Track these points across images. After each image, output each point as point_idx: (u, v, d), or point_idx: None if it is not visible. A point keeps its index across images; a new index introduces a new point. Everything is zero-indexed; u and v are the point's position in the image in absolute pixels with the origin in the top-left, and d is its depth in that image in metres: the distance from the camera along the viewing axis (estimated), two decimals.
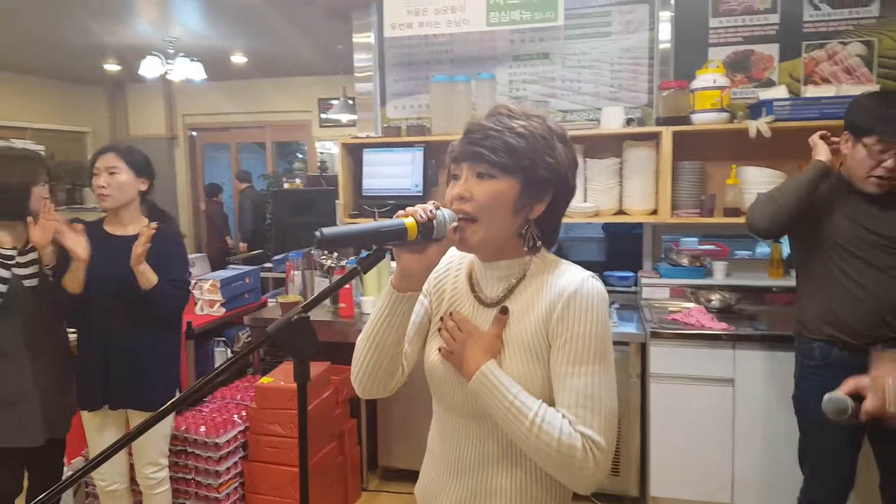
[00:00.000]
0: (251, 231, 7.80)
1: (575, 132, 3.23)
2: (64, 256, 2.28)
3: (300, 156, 9.35)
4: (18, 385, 2.26)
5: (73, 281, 2.22)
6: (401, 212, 1.07)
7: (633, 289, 3.46)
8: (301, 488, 1.13)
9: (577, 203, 3.23)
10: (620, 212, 3.26)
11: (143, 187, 2.38)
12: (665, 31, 3.29)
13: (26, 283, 2.29)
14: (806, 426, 2.25)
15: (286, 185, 7.39)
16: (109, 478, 2.48)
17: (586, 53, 3.45)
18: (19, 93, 7.68)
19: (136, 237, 2.29)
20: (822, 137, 2.26)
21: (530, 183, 1.10)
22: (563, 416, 1.06)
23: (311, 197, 5.68)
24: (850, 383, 1.51)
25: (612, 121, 3.22)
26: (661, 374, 2.81)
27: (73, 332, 2.54)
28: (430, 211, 1.07)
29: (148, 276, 2.23)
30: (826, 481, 2.18)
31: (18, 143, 6.82)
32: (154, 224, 2.25)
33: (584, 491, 1.09)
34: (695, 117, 3.03)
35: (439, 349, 1.20)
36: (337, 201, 3.71)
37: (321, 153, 8.16)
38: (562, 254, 1.24)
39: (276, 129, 8.80)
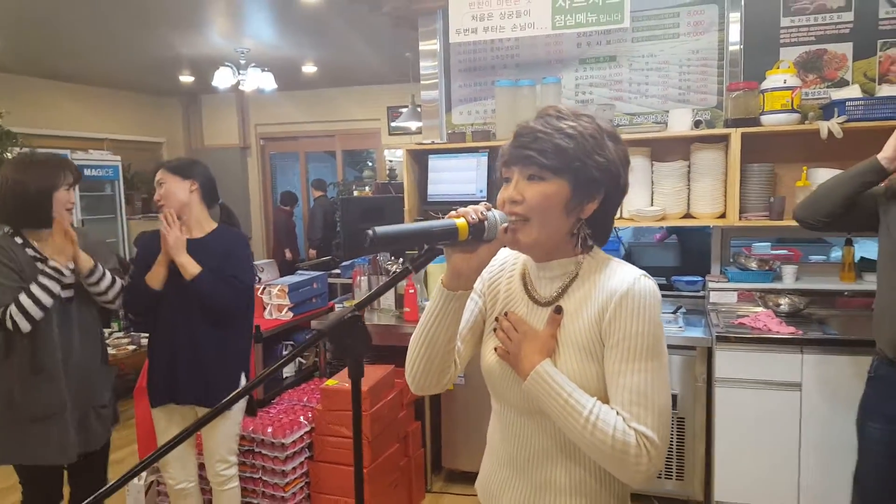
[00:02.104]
0: (320, 239, 8.21)
1: (642, 135, 3.40)
2: (144, 257, 2.54)
3: (369, 164, 9.76)
4: (56, 401, 2.35)
5: (154, 278, 2.49)
6: (452, 212, 1.15)
7: (700, 293, 3.58)
8: (356, 482, 1.24)
9: (643, 206, 3.40)
10: (688, 215, 3.40)
11: (193, 188, 2.54)
12: (735, 32, 3.43)
13: (62, 294, 2.39)
14: (858, 434, 2.32)
15: (356, 193, 7.77)
16: (178, 476, 2.67)
17: (654, 55, 3.62)
18: (99, 105, 8.38)
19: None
20: None
21: (581, 183, 1.17)
22: (618, 413, 1.14)
23: (380, 204, 5.89)
24: None
25: (680, 123, 3.37)
26: (727, 378, 2.94)
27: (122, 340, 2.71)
28: (482, 212, 1.14)
29: (188, 269, 2.43)
30: (867, 496, 2.26)
31: (96, 154, 7.48)
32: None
33: (639, 485, 1.21)
34: (764, 118, 3.15)
35: (495, 349, 1.28)
36: (405, 208, 3.99)
37: (390, 161, 8.53)
38: (632, 260, 1.35)
39: (346, 138, 9.24)
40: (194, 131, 9.57)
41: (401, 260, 4.01)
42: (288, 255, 8.63)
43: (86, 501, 0.95)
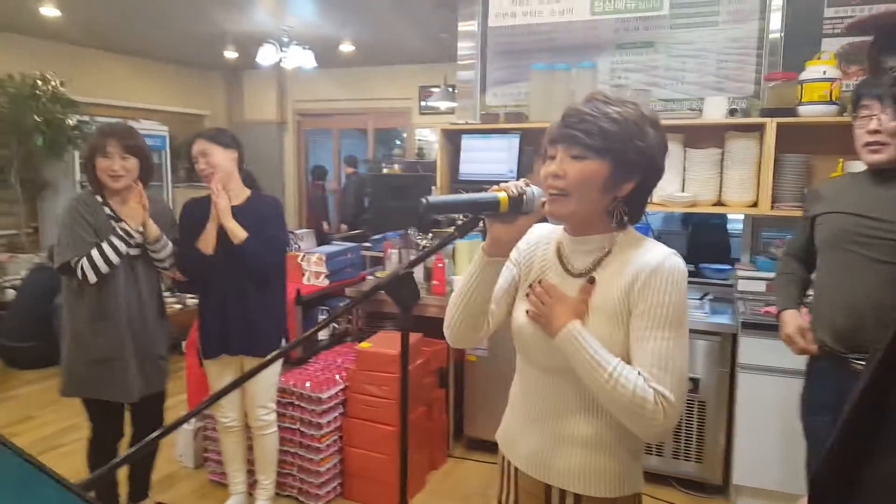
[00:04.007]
0: (352, 215, 8.18)
1: (676, 121, 3.26)
2: (189, 226, 2.61)
3: (398, 142, 9.66)
4: (117, 345, 2.50)
5: (205, 242, 2.57)
6: (494, 186, 1.22)
7: (727, 282, 3.45)
8: (402, 430, 1.29)
9: (675, 192, 3.26)
10: (719, 203, 3.27)
11: (234, 156, 2.63)
12: (776, 21, 3.26)
13: (130, 252, 2.53)
14: (805, 429, 2.23)
15: (385, 170, 7.70)
16: (230, 415, 2.84)
17: (692, 43, 3.46)
18: (148, 77, 8.37)
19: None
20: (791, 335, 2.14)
21: (620, 165, 1.21)
22: (640, 373, 1.19)
23: (408, 182, 5.86)
24: None
25: (715, 111, 3.23)
26: (750, 365, 2.83)
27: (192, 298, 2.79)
28: (521, 187, 1.21)
29: (236, 233, 2.53)
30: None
31: (146, 124, 7.49)
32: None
33: (653, 440, 1.23)
34: (802, 109, 2.99)
35: (527, 311, 1.33)
36: (433, 186, 3.90)
37: (419, 140, 8.42)
38: None
39: (378, 116, 9.13)
40: (235, 106, 9.52)
41: (430, 235, 3.93)
42: (326, 226, 8.73)
43: (153, 434, 0.99)
